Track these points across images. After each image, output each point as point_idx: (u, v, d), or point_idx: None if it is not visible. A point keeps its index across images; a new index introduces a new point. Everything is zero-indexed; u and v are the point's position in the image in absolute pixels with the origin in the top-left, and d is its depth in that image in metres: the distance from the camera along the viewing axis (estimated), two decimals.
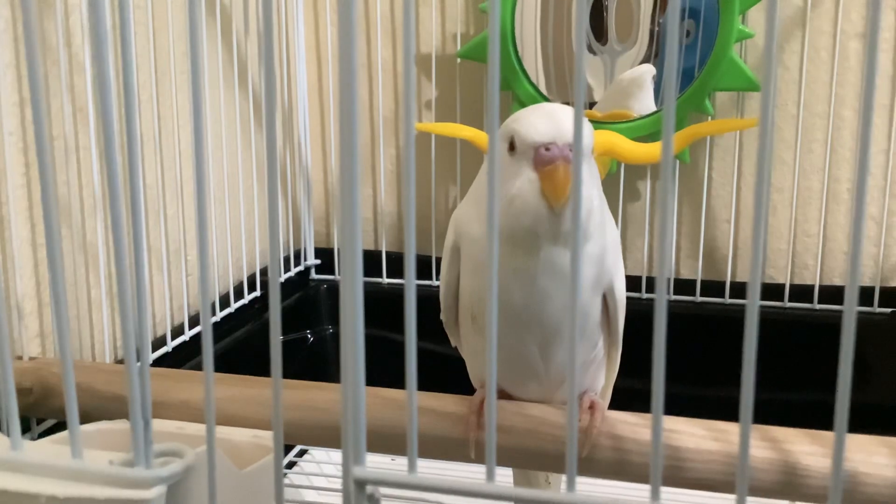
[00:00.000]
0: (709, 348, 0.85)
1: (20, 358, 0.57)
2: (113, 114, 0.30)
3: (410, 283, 0.26)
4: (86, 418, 0.47)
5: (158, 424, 0.43)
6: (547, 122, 0.45)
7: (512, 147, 0.46)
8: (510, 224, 0.45)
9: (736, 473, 0.24)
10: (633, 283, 0.79)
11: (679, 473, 0.47)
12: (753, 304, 0.20)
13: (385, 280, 0.95)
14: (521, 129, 0.45)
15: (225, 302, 0.83)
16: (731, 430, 0.47)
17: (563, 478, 0.33)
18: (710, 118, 0.88)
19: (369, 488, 0.29)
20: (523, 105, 0.86)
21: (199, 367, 0.70)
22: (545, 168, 0.44)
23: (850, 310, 0.20)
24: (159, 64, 0.72)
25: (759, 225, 0.20)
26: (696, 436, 0.47)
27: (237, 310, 0.84)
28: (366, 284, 0.27)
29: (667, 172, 0.25)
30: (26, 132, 0.59)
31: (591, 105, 0.92)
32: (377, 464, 0.31)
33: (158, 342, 0.73)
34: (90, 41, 0.62)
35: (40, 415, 0.57)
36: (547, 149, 0.44)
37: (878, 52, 0.22)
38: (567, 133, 0.44)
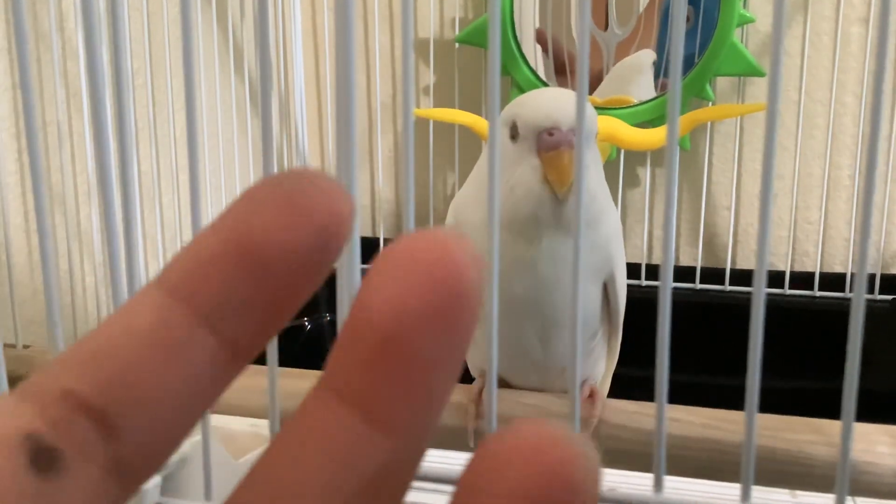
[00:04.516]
0: (708, 336, 0.85)
1: (14, 346, 0.57)
2: (105, 99, 0.29)
3: None
4: None
5: None
6: (550, 106, 0.44)
7: (514, 133, 0.45)
8: (512, 211, 0.45)
9: (741, 462, 0.23)
10: (632, 270, 0.78)
11: (679, 462, 0.46)
12: (759, 292, 0.20)
13: None
14: (524, 113, 0.45)
15: None
16: (731, 417, 0.47)
17: None
18: (710, 104, 0.87)
19: None
20: (522, 91, 0.85)
21: None
22: (549, 153, 0.43)
23: (859, 297, 0.20)
24: (154, 49, 0.72)
25: (766, 210, 0.19)
26: (695, 424, 0.47)
27: None
28: (363, 271, 0.26)
29: (672, 162, 0.25)
30: (19, 117, 0.59)
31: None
32: None
33: None
34: (83, 25, 0.61)
35: None
36: (550, 133, 0.44)
37: (889, 36, 0.21)
38: (571, 118, 0.44)
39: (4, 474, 0.10)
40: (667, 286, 0.21)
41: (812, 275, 0.88)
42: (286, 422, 0.12)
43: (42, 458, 0.11)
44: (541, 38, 0.91)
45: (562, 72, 0.91)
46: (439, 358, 0.12)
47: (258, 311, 0.13)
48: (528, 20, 0.90)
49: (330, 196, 0.13)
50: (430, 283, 0.11)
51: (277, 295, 0.13)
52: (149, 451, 0.12)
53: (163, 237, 0.74)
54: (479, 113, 0.83)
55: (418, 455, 0.12)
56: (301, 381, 0.52)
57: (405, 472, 0.12)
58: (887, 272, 0.87)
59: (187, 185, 0.83)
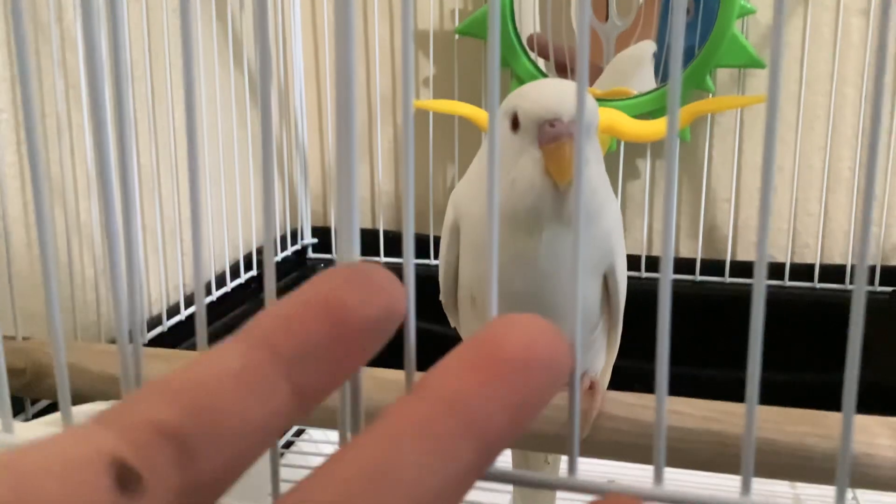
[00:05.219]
0: (708, 327, 0.85)
1: (13, 338, 0.57)
2: (104, 91, 0.29)
3: (409, 262, 0.26)
4: (79, 399, 0.47)
5: None
6: (552, 97, 0.44)
7: (514, 124, 0.45)
8: (512, 204, 0.44)
9: (741, 454, 0.23)
10: (632, 262, 0.78)
11: (678, 454, 0.46)
12: (760, 282, 0.20)
13: (382, 259, 0.95)
14: (525, 104, 0.44)
15: (221, 281, 0.82)
16: (731, 410, 0.47)
17: (563, 458, 0.33)
18: (711, 95, 0.87)
19: None
20: (522, 82, 0.85)
21: (195, 347, 0.69)
22: (550, 145, 0.43)
23: (860, 289, 0.20)
24: (153, 41, 0.71)
25: (767, 197, 0.19)
26: (695, 416, 0.47)
27: (234, 289, 0.84)
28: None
29: (672, 154, 0.25)
30: (18, 110, 0.58)
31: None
32: None
33: (154, 322, 0.72)
34: (81, 17, 0.61)
35: (34, 395, 0.57)
36: (552, 125, 0.43)
37: (890, 28, 0.21)
38: (572, 109, 0.43)
39: (92, 493, 0.12)
40: (667, 278, 0.21)
41: (812, 266, 0.87)
42: None
43: (125, 479, 0.12)
44: (536, 42, 0.90)
45: (562, 66, 0.91)
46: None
47: (329, 364, 0.15)
48: (529, 12, 0.90)
49: (391, 284, 0.16)
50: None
51: (348, 352, 0.15)
52: (220, 477, 0.14)
53: (162, 230, 0.74)
54: (478, 104, 0.83)
55: None
56: None
57: None
58: (887, 264, 0.87)
59: (186, 176, 0.83)
